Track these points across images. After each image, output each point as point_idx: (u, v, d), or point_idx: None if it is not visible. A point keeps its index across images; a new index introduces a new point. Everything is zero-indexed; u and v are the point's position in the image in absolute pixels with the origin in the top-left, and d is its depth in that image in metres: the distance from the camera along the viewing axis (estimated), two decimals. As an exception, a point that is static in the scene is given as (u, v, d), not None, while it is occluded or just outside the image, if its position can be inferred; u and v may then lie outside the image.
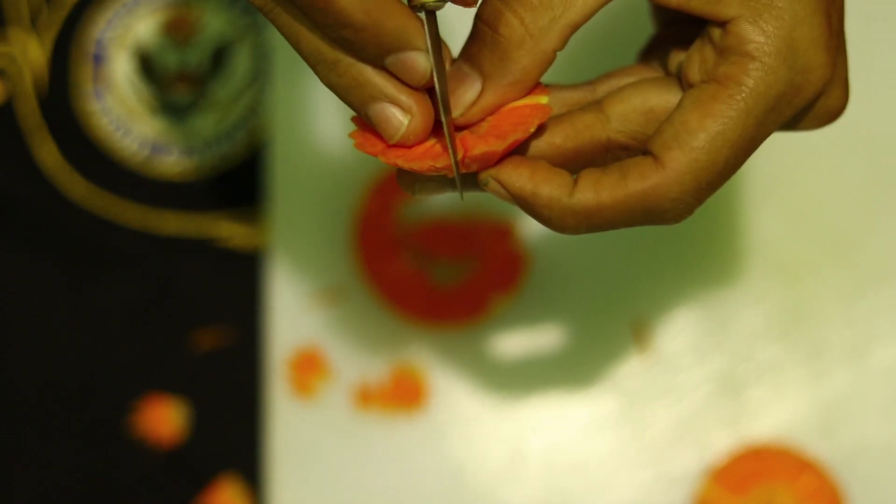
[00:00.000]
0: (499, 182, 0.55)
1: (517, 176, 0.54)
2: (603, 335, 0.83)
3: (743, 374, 0.82)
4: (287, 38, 0.53)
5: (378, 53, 0.53)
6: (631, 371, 0.83)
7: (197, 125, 0.87)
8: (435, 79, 0.54)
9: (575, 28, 0.54)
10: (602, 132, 0.56)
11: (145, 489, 0.84)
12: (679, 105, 0.54)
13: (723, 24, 0.53)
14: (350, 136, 0.55)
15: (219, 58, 0.87)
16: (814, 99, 0.54)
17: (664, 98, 0.56)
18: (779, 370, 0.82)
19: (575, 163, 0.56)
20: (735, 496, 0.80)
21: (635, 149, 0.56)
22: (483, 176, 0.55)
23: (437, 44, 0.53)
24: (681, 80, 0.56)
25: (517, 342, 0.83)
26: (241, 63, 0.87)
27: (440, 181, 0.56)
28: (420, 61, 0.53)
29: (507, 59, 0.54)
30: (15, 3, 0.88)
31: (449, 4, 0.54)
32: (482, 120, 0.56)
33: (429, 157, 0.54)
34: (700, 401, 0.82)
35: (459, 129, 0.56)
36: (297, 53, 0.54)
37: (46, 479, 0.84)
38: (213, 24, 0.87)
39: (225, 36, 0.87)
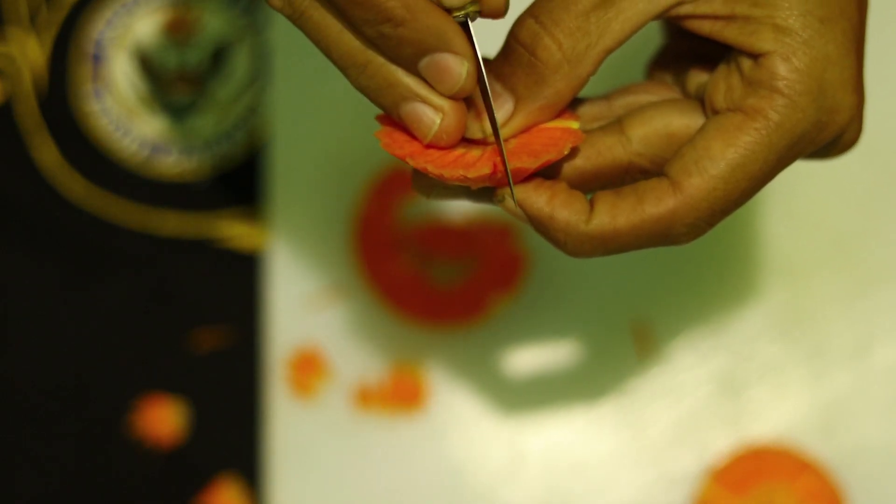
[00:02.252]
0: (517, 201, 0.54)
1: (536, 197, 0.54)
2: (603, 335, 0.83)
3: (743, 374, 0.82)
4: (316, 42, 0.53)
5: (415, 52, 0.52)
6: (631, 371, 0.83)
7: (197, 125, 0.87)
8: (482, 85, 0.53)
9: (609, 53, 0.54)
10: (623, 155, 0.56)
11: (145, 489, 0.84)
12: (702, 130, 0.54)
13: (755, 56, 0.53)
14: (375, 135, 0.55)
15: (218, 58, 0.87)
16: (836, 137, 0.54)
17: (686, 123, 0.55)
18: (779, 370, 0.82)
19: (593, 183, 0.56)
20: (735, 496, 0.80)
21: (654, 172, 0.56)
22: (500, 192, 0.55)
23: (477, 51, 0.53)
24: (703, 103, 0.56)
25: (517, 343, 0.83)
26: (240, 63, 0.87)
27: (458, 189, 0.56)
28: (456, 65, 0.53)
29: (542, 82, 0.54)
30: (14, 2, 0.88)
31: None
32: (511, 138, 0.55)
33: (460, 165, 0.54)
34: (700, 401, 0.82)
35: (486, 144, 0.55)
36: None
37: (46, 478, 0.84)
38: (213, 24, 0.87)
39: (225, 36, 0.87)
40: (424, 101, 0.53)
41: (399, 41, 0.52)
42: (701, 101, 0.56)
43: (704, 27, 0.54)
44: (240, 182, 0.86)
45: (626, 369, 0.83)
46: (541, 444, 0.82)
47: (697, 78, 0.57)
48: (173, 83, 0.87)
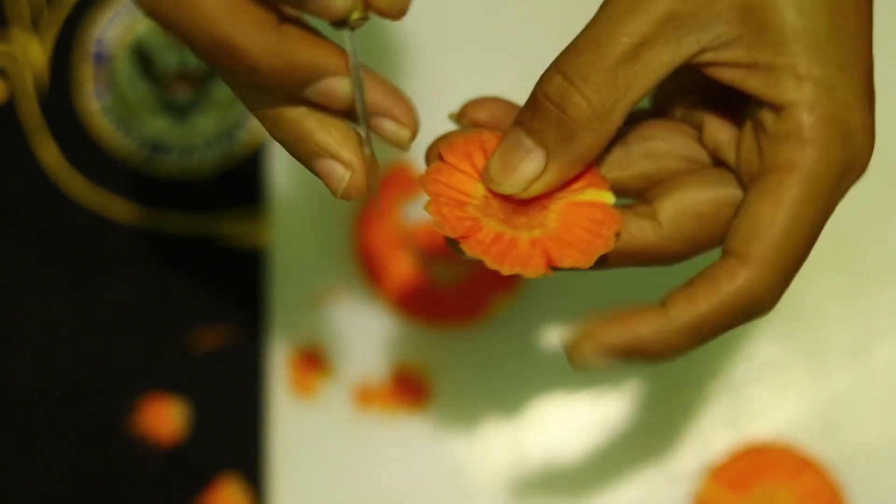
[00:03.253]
0: (603, 350, 0.55)
1: (612, 333, 0.55)
2: (603, 335, 0.83)
3: (743, 373, 0.82)
4: (239, 100, 0.54)
5: (294, 89, 0.53)
6: (631, 370, 0.83)
7: (197, 125, 0.87)
8: (356, 97, 0.54)
9: (635, 105, 0.54)
10: (656, 240, 0.57)
11: (145, 489, 0.84)
12: (746, 201, 0.55)
13: (777, 108, 0.54)
14: (425, 209, 0.56)
15: (219, 58, 0.87)
16: (861, 174, 0.56)
17: (710, 197, 0.56)
18: (779, 370, 0.82)
19: (620, 263, 0.57)
20: (735, 495, 0.80)
21: (685, 256, 0.57)
22: (580, 357, 0.55)
23: (358, 60, 0.53)
24: (720, 159, 0.57)
25: (517, 342, 0.83)
26: (242, 63, 0.87)
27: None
28: (339, 86, 0.53)
29: (572, 138, 0.54)
30: (16, 2, 0.88)
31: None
32: (544, 198, 0.56)
33: (510, 260, 0.54)
34: (700, 400, 0.82)
35: (522, 204, 0.56)
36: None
37: (46, 478, 0.84)
38: (214, 24, 0.87)
39: (226, 36, 0.87)
40: (334, 157, 0.54)
41: (276, 85, 0.52)
42: (715, 158, 0.57)
43: (726, 75, 0.54)
44: (241, 181, 0.86)
45: (626, 369, 0.83)
46: (541, 443, 0.82)
47: (715, 135, 0.57)
48: (174, 82, 0.87)
